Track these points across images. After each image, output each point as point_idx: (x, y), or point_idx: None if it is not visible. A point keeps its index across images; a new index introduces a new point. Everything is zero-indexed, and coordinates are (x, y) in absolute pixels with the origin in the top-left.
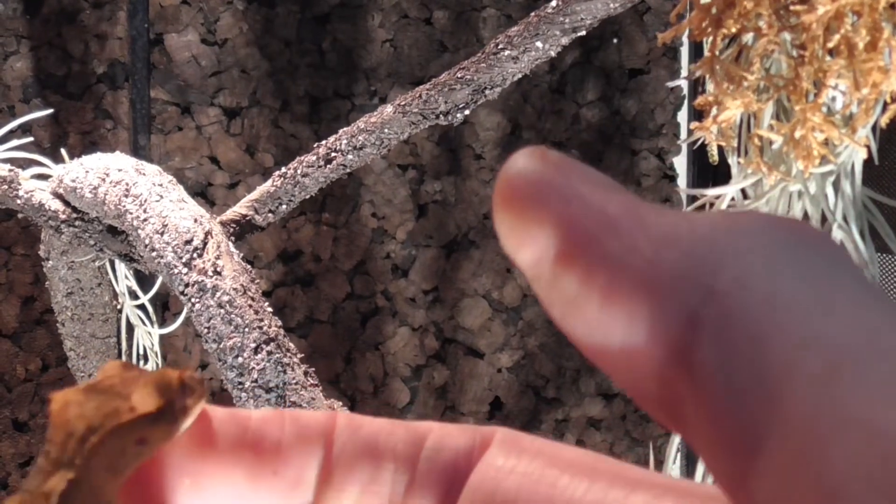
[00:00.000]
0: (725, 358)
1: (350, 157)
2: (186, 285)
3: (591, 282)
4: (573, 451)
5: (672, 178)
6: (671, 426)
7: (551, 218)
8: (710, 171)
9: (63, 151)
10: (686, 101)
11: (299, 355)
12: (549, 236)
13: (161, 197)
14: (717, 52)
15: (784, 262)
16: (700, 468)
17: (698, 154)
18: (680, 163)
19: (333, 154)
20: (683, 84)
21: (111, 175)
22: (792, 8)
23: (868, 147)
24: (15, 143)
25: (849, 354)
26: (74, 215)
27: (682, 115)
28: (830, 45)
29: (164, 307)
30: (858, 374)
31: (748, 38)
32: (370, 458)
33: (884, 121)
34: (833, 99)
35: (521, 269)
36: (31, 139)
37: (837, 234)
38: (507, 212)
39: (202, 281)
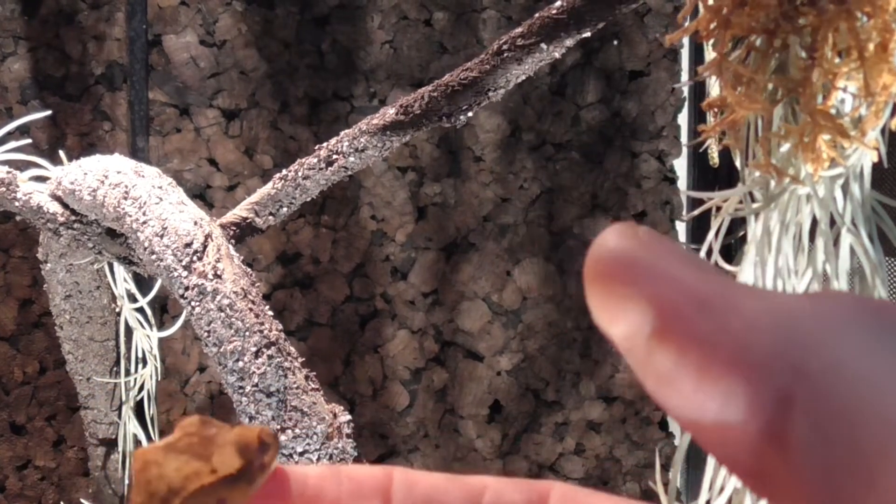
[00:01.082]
0: (820, 437)
1: (352, 159)
2: (186, 288)
3: (685, 359)
4: (623, 501)
5: (672, 181)
6: (764, 495)
7: (646, 296)
8: (710, 174)
9: (61, 153)
10: (686, 103)
11: (300, 359)
12: (643, 313)
13: (160, 199)
14: (724, 54)
15: (874, 345)
16: (707, 471)
17: (699, 156)
18: (680, 165)
19: (335, 156)
20: (684, 86)
21: (110, 177)
22: (801, 9)
23: (877, 150)
24: (13, 144)
25: None
26: (73, 218)
27: (683, 117)
28: (840, 46)
29: (163, 310)
30: None
31: (757, 39)
32: None
33: (894, 124)
34: (842, 101)
35: (613, 343)
36: (30, 141)
37: (846, 237)
38: (600, 288)
39: (202, 284)
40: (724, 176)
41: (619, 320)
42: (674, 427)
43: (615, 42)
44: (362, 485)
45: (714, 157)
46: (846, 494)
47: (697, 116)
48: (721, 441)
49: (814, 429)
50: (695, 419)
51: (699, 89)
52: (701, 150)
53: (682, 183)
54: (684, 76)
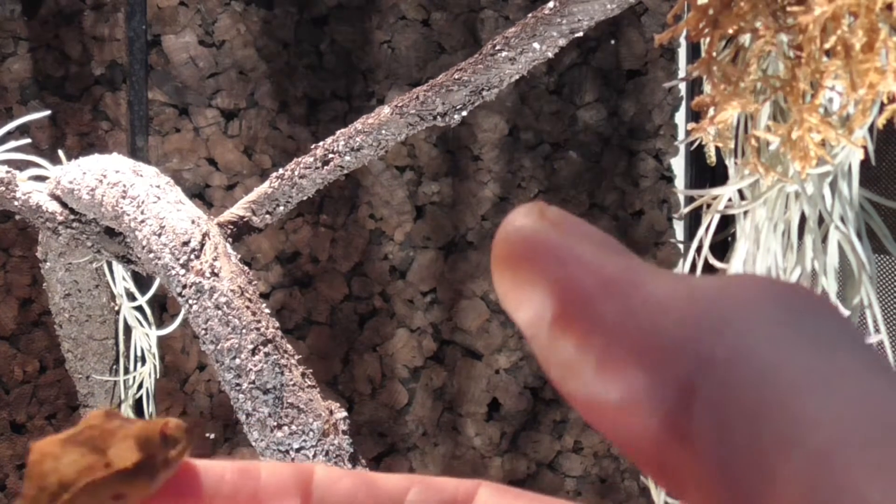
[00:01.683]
0: (722, 431)
1: (347, 158)
2: (184, 287)
3: (587, 346)
4: (555, 502)
5: (670, 179)
6: (667, 489)
7: (548, 279)
8: (707, 172)
9: (61, 153)
10: (684, 103)
11: (297, 357)
12: (545, 298)
13: (158, 198)
14: (714, 53)
15: (783, 332)
16: None
17: (696, 155)
18: (678, 164)
19: (331, 155)
20: (681, 85)
21: (109, 177)
22: (789, 9)
23: (865, 148)
24: (13, 144)
25: (848, 430)
26: (72, 217)
27: (680, 116)
28: (827, 46)
29: (162, 309)
30: (857, 451)
31: (745, 39)
32: None
33: (881, 122)
34: (830, 100)
35: (519, 328)
36: (29, 141)
37: (834, 234)
38: (504, 270)
39: (200, 282)
40: (721, 174)
41: (522, 305)
42: None
43: (612, 42)
44: (282, 479)
45: (711, 156)
46: (745, 488)
47: (694, 115)
48: (623, 431)
49: (715, 420)
50: (595, 409)
51: (696, 88)
52: (693, 149)
53: (679, 181)
54: (682, 75)
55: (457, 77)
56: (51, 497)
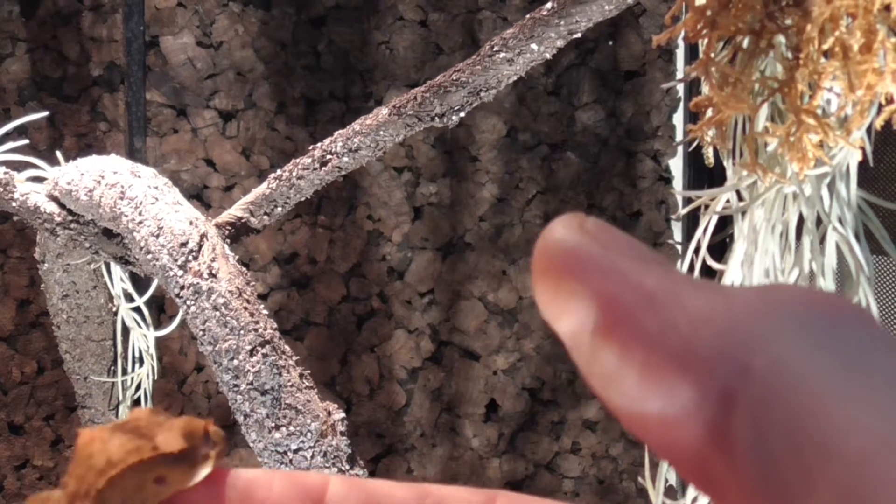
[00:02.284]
0: (762, 438)
1: (345, 159)
2: (182, 288)
3: (629, 357)
4: None
5: (668, 180)
6: (708, 494)
7: (590, 291)
8: (705, 173)
9: (59, 154)
10: (682, 104)
11: (295, 358)
12: (587, 309)
13: (156, 199)
14: (712, 55)
15: (821, 343)
16: None
17: (694, 156)
18: (676, 165)
19: (328, 156)
20: (679, 86)
21: (106, 178)
22: (787, 10)
23: (863, 149)
24: (10, 145)
25: (886, 440)
26: (70, 218)
27: (678, 118)
28: (825, 47)
29: (160, 310)
30: (894, 460)
31: (743, 40)
32: None
33: (878, 123)
34: (828, 101)
35: (560, 337)
36: (27, 142)
37: (832, 235)
38: (545, 281)
39: (197, 283)
40: (719, 175)
41: (564, 316)
42: None
43: (611, 43)
44: (295, 488)
45: (709, 157)
46: (786, 494)
47: (692, 116)
48: (665, 441)
49: (756, 429)
50: (637, 419)
51: (694, 89)
52: (691, 150)
53: (677, 182)
54: (680, 76)
55: (455, 78)
56: (98, 474)
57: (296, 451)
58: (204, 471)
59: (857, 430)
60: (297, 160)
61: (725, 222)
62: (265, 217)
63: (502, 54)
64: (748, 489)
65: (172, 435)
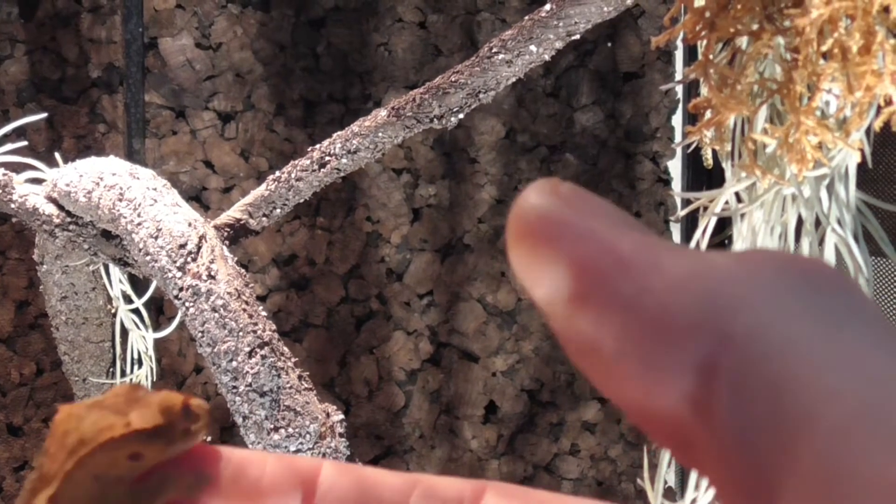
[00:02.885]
0: (743, 406)
1: (344, 160)
2: (180, 289)
3: (605, 324)
4: (562, 498)
5: (666, 182)
6: (686, 464)
7: (565, 256)
8: (704, 175)
9: (57, 155)
10: (681, 105)
11: (294, 359)
12: (562, 275)
13: (155, 201)
14: (710, 56)
15: (801, 308)
16: (693, 474)
17: (693, 158)
18: (675, 166)
19: (327, 158)
20: (678, 88)
21: (105, 179)
22: (785, 11)
23: (862, 150)
24: (9, 146)
25: (867, 407)
26: (68, 219)
27: (677, 119)
28: (824, 48)
29: (159, 311)
30: (876, 428)
31: (742, 41)
32: None
33: (877, 124)
34: (827, 103)
35: (536, 305)
36: (26, 143)
37: (831, 237)
38: (520, 248)
39: (196, 285)
40: (718, 177)
41: (539, 282)
42: None
43: (609, 44)
44: (287, 469)
45: (708, 158)
46: (767, 465)
47: (691, 118)
48: (644, 410)
49: (736, 396)
50: (616, 387)
51: (693, 91)
52: (690, 152)
53: (676, 184)
54: (678, 78)
55: (453, 79)
56: (70, 453)
57: (295, 453)
58: (182, 446)
59: (839, 398)
60: (296, 162)
61: (724, 224)
62: (264, 219)
63: (501, 56)
64: (727, 456)
65: (148, 411)
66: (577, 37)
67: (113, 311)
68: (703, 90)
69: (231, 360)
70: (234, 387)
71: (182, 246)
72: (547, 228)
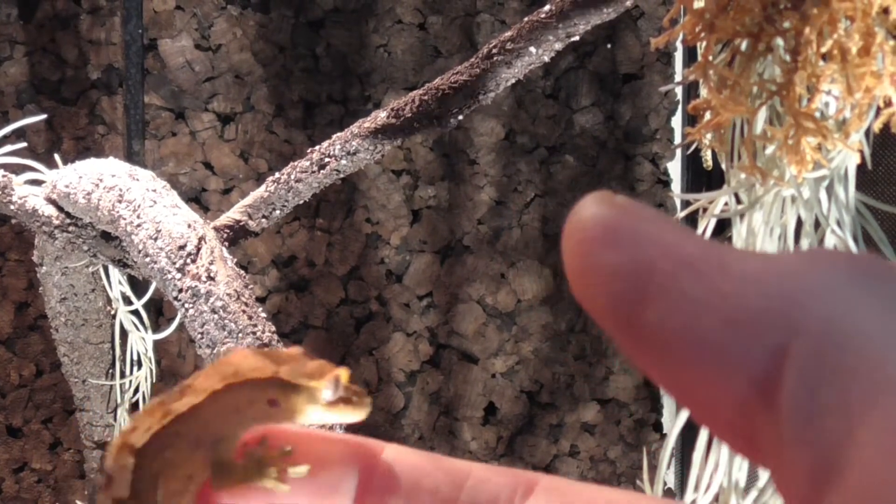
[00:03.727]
0: (812, 392)
1: (344, 162)
2: (180, 290)
3: (673, 321)
4: (611, 492)
5: (666, 184)
6: (747, 453)
7: (628, 260)
8: (704, 176)
9: (57, 157)
10: (680, 106)
11: None
12: (626, 278)
13: (154, 202)
14: (710, 57)
15: (867, 299)
16: (692, 476)
17: (692, 159)
18: (674, 168)
19: (327, 159)
20: (678, 89)
21: (105, 180)
22: (785, 13)
23: (861, 152)
24: (9, 148)
25: None
26: (68, 221)
27: (677, 120)
28: (824, 50)
29: (158, 313)
30: None
31: (742, 42)
32: (410, 490)
33: (877, 126)
34: (826, 104)
35: (592, 311)
36: (25, 145)
37: (831, 238)
38: (581, 255)
39: (196, 286)
40: (717, 178)
41: (602, 286)
42: (668, 428)
43: (609, 45)
44: (349, 447)
45: (707, 160)
46: (831, 447)
47: (691, 119)
48: (708, 400)
49: (806, 381)
50: (682, 380)
51: (693, 92)
52: (689, 153)
53: (675, 186)
54: (678, 79)
55: (453, 81)
56: (222, 377)
57: None
58: (317, 415)
59: None
60: (296, 163)
61: (724, 225)
62: (263, 220)
63: (500, 57)
64: (791, 443)
65: (298, 368)
66: (577, 38)
67: (112, 312)
68: (703, 91)
69: None
70: None
71: (181, 247)
72: (607, 234)
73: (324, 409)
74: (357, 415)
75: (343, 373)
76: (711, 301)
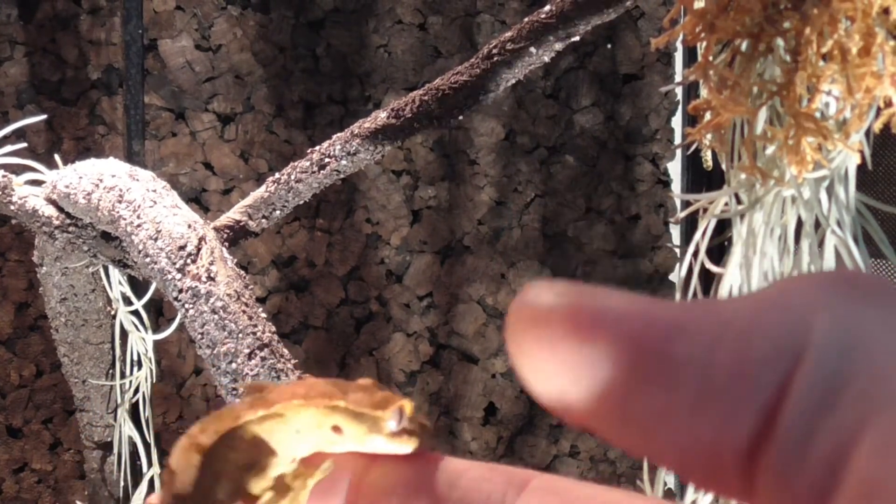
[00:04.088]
0: (814, 407)
1: (344, 162)
2: (180, 291)
3: (680, 389)
4: (610, 492)
5: (666, 184)
6: (744, 499)
7: (608, 340)
8: (704, 177)
9: (57, 157)
10: (680, 107)
11: (294, 361)
12: (610, 357)
13: (155, 203)
14: (710, 58)
15: (868, 315)
16: None
17: (693, 159)
18: (674, 168)
19: (327, 160)
20: (678, 89)
21: (105, 181)
22: (785, 13)
23: (862, 152)
24: (9, 148)
25: None
26: (68, 221)
27: (677, 121)
28: (824, 50)
29: (158, 313)
30: None
31: (742, 43)
32: (403, 491)
33: (877, 126)
34: (826, 104)
35: (571, 410)
36: (25, 145)
37: (831, 239)
38: (540, 346)
39: (196, 286)
40: (717, 178)
41: (583, 372)
42: None
43: (609, 46)
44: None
45: (707, 160)
46: (825, 458)
47: (691, 119)
48: (710, 465)
49: (806, 401)
50: (690, 451)
51: (693, 92)
52: (689, 153)
53: (675, 186)
54: (678, 79)
55: (453, 81)
56: (294, 396)
57: None
58: (379, 445)
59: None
60: (296, 163)
61: (724, 225)
62: (263, 220)
63: (501, 57)
64: (785, 466)
65: (366, 398)
66: (577, 38)
67: (112, 312)
68: (703, 92)
69: (231, 362)
70: (234, 389)
71: (182, 248)
72: (572, 319)
73: (387, 439)
74: (420, 447)
75: (408, 404)
76: (716, 356)
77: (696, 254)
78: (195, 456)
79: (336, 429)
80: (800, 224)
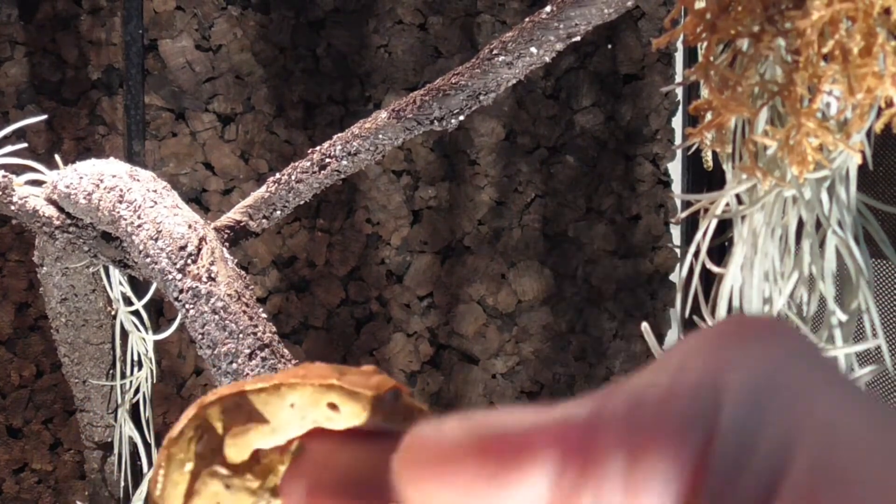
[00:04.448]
0: (744, 437)
1: (344, 162)
2: (180, 291)
3: (607, 483)
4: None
5: (666, 184)
6: None
7: (533, 456)
8: (704, 177)
9: (57, 157)
10: (681, 107)
11: (294, 361)
12: (543, 468)
13: (155, 203)
14: (711, 58)
15: (770, 362)
16: None
17: (693, 160)
18: (675, 168)
19: (328, 160)
20: (678, 89)
21: (105, 181)
22: (786, 13)
23: (863, 152)
24: (9, 149)
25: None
26: (68, 221)
27: (677, 121)
28: (825, 50)
29: (159, 313)
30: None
31: (743, 43)
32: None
33: (878, 126)
34: (827, 104)
35: None
36: (26, 145)
37: (832, 239)
38: (449, 485)
39: (196, 287)
40: (718, 179)
41: (511, 491)
42: None
43: (610, 46)
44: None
45: (708, 160)
46: (759, 480)
47: (691, 120)
48: None
49: (731, 447)
50: None
51: (694, 93)
52: (690, 154)
53: (676, 186)
54: (679, 80)
55: (454, 81)
56: (292, 375)
57: None
58: (374, 423)
59: (834, 445)
60: (296, 164)
61: (725, 226)
62: (264, 220)
63: (501, 58)
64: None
65: (361, 378)
66: (578, 38)
67: (113, 312)
68: (704, 92)
69: (231, 363)
70: None
71: (182, 248)
72: (481, 449)
73: (382, 419)
74: (404, 425)
75: (403, 387)
76: (638, 437)
77: (696, 254)
78: (193, 410)
79: (333, 407)
80: (801, 224)
